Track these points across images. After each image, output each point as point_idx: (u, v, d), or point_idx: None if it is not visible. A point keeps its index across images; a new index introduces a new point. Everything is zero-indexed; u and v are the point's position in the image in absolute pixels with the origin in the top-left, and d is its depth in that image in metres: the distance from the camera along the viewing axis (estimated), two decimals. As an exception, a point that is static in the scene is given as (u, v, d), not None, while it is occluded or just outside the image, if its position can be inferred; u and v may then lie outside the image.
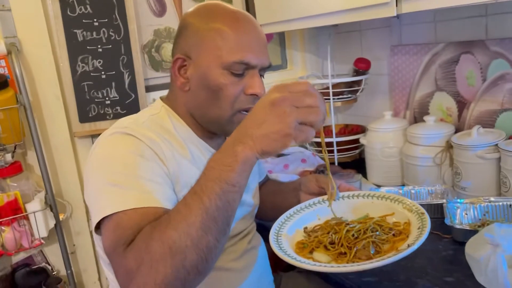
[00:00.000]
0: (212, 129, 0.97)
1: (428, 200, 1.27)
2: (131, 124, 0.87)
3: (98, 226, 0.78)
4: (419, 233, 0.82)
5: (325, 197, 1.01)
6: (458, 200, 1.14)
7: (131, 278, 0.68)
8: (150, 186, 0.78)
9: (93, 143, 1.52)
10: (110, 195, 0.77)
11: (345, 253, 0.84)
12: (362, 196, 1.01)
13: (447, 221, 1.09)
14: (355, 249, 0.83)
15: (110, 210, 0.75)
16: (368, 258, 0.82)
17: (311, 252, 0.88)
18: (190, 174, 0.89)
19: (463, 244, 1.04)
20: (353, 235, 0.87)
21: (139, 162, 0.80)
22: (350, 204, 0.99)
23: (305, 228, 0.96)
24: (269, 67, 0.95)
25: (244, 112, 0.92)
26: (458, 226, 1.08)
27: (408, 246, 0.78)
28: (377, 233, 0.88)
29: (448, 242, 1.10)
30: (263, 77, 0.96)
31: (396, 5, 1.16)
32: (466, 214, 1.12)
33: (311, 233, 0.93)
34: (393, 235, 0.88)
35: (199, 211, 0.68)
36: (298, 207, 1.00)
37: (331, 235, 0.89)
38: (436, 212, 1.23)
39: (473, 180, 1.25)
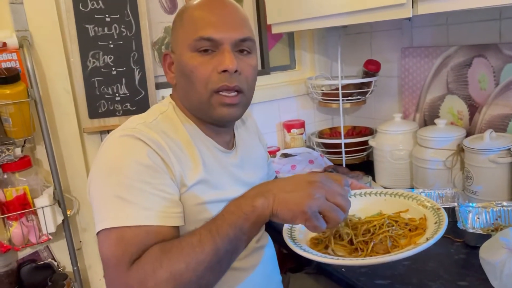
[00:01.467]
0: (202, 118, 0.96)
1: (439, 204, 1.26)
2: (140, 125, 0.87)
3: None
4: (436, 227, 0.82)
5: None
6: (470, 204, 1.14)
7: None
8: (152, 201, 0.79)
9: (101, 139, 1.53)
10: (113, 206, 0.78)
11: (361, 248, 0.84)
12: (374, 194, 1.00)
13: (460, 225, 1.09)
14: (372, 243, 0.83)
15: (112, 223, 0.76)
16: (385, 252, 0.81)
17: (326, 247, 0.87)
18: (197, 172, 0.90)
19: (475, 248, 1.04)
20: (369, 231, 0.86)
21: (145, 174, 0.80)
22: (362, 202, 0.98)
23: None
24: (246, 41, 0.91)
25: (222, 93, 0.89)
26: (470, 230, 1.08)
27: (427, 239, 0.78)
28: (393, 227, 0.87)
29: (460, 246, 1.09)
30: (248, 52, 0.93)
31: (412, 7, 1.15)
32: (478, 218, 1.12)
33: (325, 230, 0.92)
34: (409, 230, 0.87)
35: (211, 251, 0.72)
36: None
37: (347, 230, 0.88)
38: (447, 215, 1.22)
39: (485, 184, 1.24)
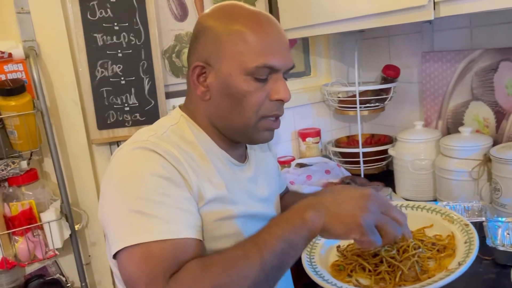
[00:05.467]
0: (237, 139, 0.92)
1: (465, 218, 1.19)
2: (152, 138, 0.82)
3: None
4: (467, 248, 0.77)
5: None
6: (500, 219, 1.07)
7: None
8: (174, 214, 0.74)
9: (111, 150, 1.49)
10: (134, 222, 0.72)
11: (389, 278, 0.78)
12: None
13: (489, 242, 1.02)
14: (399, 273, 0.76)
15: (135, 239, 0.71)
16: (415, 280, 0.75)
17: (349, 275, 0.81)
18: (213, 187, 0.85)
19: (506, 267, 0.98)
20: (393, 257, 0.80)
21: (163, 186, 0.75)
22: None
23: (338, 247, 0.89)
24: (292, 69, 0.90)
25: (271, 118, 0.87)
26: (500, 248, 1.01)
27: (459, 264, 0.73)
28: (420, 249, 0.81)
29: (489, 265, 1.02)
30: (286, 79, 0.91)
31: (434, 9, 1.08)
32: (508, 234, 1.05)
33: (346, 253, 0.86)
34: (438, 250, 0.82)
35: (257, 265, 0.67)
36: None
37: (370, 257, 0.82)
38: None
39: (515, 196, 1.16)
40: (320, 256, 0.84)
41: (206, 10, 0.90)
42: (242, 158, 0.99)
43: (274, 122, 0.89)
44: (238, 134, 0.90)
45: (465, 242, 0.79)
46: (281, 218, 0.71)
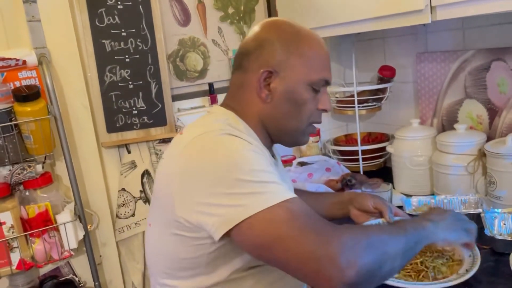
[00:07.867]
0: (282, 139, 1.02)
1: (462, 210, 1.25)
2: (224, 126, 0.87)
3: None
4: (471, 259, 1.00)
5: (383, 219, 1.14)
6: (496, 210, 1.13)
7: (333, 256, 0.70)
8: (279, 180, 0.81)
9: (119, 153, 1.53)
10: (257, 190, 0.76)
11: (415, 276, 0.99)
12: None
13: (487, 232, 1.07)
14: (422, 274, 0.99)
15: (269, 202, 0.74)
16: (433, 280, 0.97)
17: None
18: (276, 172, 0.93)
19: (503, 255, 1.03)
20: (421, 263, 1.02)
21: (261, 160, 0.83)
22: None
23: None
24: None
25: (315, 125, 1.02)
26: (498, 237, 1.06)
27: (467, 271, 0.96)
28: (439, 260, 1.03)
29: (487, 253, 1.08)
30: None
31: (431, 13, 1.14)
32: (504, 224, 1.11)
33: None
34: (446, 259, 1.03)
35: (403, 242, 0.81)
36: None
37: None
38: (473, 222, 1.21)
39: (509, 189, 1.22)
40: None
41: (262, 23, 0.99)
42: (273, 157, 1.05)
43: (315, 128, 1.03)
44: (286, 136, 1.01)
45: (470, 256, 1.01)
46: (412, 222, 0.93)
